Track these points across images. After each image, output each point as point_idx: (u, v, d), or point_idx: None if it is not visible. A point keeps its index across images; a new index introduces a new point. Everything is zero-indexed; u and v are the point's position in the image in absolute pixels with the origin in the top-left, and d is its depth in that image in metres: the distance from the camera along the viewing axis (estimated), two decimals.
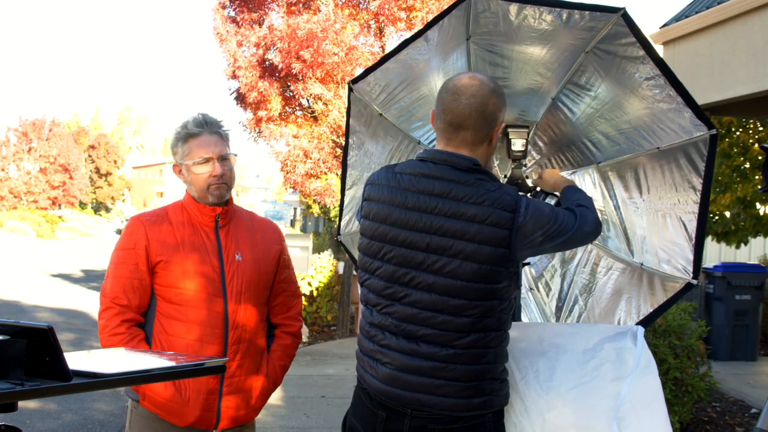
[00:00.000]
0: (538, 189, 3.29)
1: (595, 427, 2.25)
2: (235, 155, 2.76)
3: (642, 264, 3.13)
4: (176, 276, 2.63)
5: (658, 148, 2.95)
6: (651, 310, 3.05)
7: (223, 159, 2.69)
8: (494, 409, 2.23)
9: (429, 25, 2.83)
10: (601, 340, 2.46)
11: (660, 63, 2.69)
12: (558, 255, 3.62)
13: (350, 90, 3.06)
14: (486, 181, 2.21)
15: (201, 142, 2.67)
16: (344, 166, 3.24)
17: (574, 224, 2.26)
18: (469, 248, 2.14)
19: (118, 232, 47.31)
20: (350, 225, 3.37)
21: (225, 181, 2.69)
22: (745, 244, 10.17)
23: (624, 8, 2.66)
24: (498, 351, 2.22)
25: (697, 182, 2.80)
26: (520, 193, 2.24)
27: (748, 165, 9.56)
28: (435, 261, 2.17)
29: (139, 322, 2.66)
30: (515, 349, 2.50)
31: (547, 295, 3.64)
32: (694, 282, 2.87)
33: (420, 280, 2.19)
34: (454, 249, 2.16)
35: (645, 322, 3.01)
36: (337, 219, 3.44)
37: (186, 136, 2.69)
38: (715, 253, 12.82)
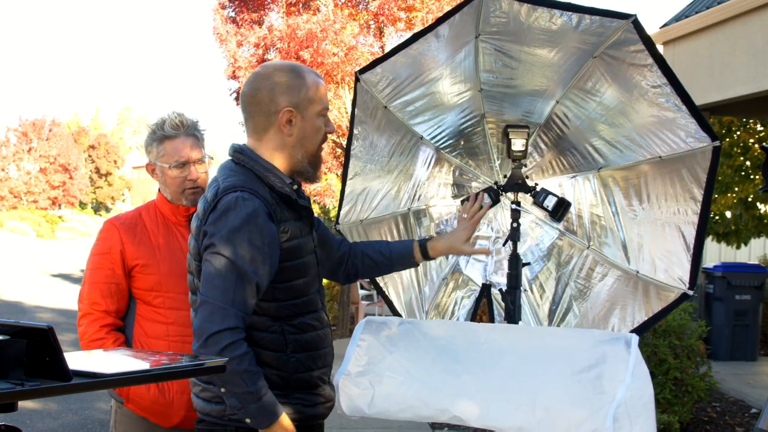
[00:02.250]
0: (539, 188, 3.29)
1: (587, 419, 2.24)
2: (211, 158, 2.75)
3: (638, 272, 3.13)
4: (154, 279, 2.62)
5: (659, 156, 2.95)
6: (645, 319, 3.05)
7: (199, 162, 2.67)
8: (234, 424, 2.07)
9: (440, 21, 2.82)
10: (596, 343, 2.46)
11: (668, 71, 2.69)
12: (553, 258, 3.61)
13: (357, 80, 3.06)
14: (229, 168, 2.14)
15: (176, 144, 2.64)
16: (347, 155, 3.23)
17: (209, 301, 1.99)
18: (190, 238, 2.17)
19: None
20: (350, 215, 3.37)
21: (200, 185, 2.68)
22: (746, 244, 10.16)
23: (635, 15, 2.66)
24: None
25: (698, 193, 2.80)
26: (237, 194, 2.02)
27: (749, 164, 9.55)
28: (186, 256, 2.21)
29: (118, 326, 2.66)
30: (507, 350, 2.49)
31: (541, 298, 3.64)
32: (690, 293, 2.86)
33: None
34: (189, 242, 2.19)
35: (639, 330, 3.01)
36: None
37: (162, 137, 2.66)
38: (715, 253, 12.81)
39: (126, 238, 2.65)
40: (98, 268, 2.66)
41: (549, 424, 2.25)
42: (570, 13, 2.70)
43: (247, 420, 2.01)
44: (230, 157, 2.18)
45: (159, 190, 2.76)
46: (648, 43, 2.66)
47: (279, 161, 2.15)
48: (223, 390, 2.01)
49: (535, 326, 3.56)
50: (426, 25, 2.92)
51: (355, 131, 3.17)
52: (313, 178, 2.21)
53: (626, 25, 2.66)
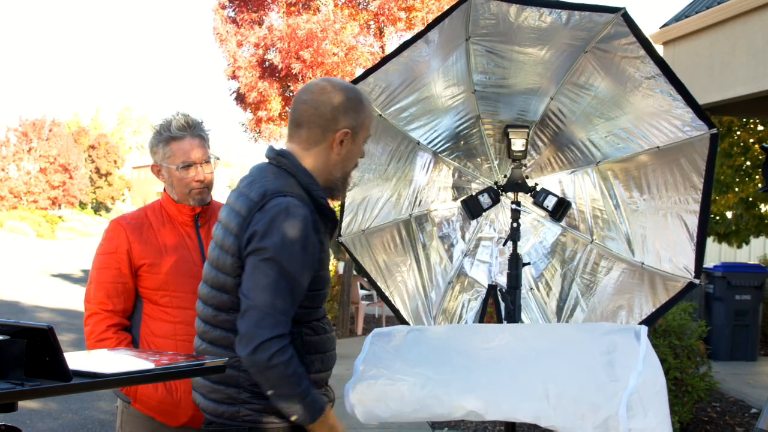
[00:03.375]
0: (539, 188, 3.29)
1: (600, 406, 2.24)
2: (218, 158, 2.74)
3: (643, 263, 3.13)
4: (160, 278, 2.62)
5: (657, 147, 2.96)
6: (653, 310, 3.05)
7: (205, 163, 2.67)
8: (248, 425, 2.08)
9: (429, 27, 2.83)
10: (605, 333, 2.46)
11: (660, 62, 2.70)
12: (558, 254, 3.61)
13: None
14: (270, 171, 2.11)
15: (184, 145, 2.64)
16: None
17: (256, 306, 1.96)
18: (219, 234, 2.13)
19: None
20: (351, 226, 3.37)
21: (207, 185, 2.68)
22: (747, 244, 10.16)
23: (624, 8, 2.67)
24: None
25: (698, 181, 2.81)
26: (288, 200, 2.01)
27: (749, 164, 9.55)
28: (210, 251, 2.18)
29: (125, 326, 2.65)
30: (517, 346, 2.50)
31: (548, 295, 3.63)
32: (696, 281, 2.86)
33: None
34: (215, 235, 2.16)
35: (647, 322, 3.01)
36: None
37: (168, 138, 2.65)
38: (716, 253, 12.81)
39: (132, 237, 2.65)
40: (105, 268, 2.65)
41: (563, 410, 2.25)
42: (559, 10, 2.71)
43: (293, 418, 2.03)
44: (268, 160, 2.16)
45: (164, 189, 2.76)
46: (639, 35, 2.67)
47: (317, 174, 2.15)
48: (270, 392, 2.01)
49: (544, 323, 3.56)
50: (426, 25, 2.92)
51: None
52: (340, 196, 2.28)
53: (616, 18, 2.67)
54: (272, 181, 2.07)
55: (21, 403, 1.21)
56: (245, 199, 2.07)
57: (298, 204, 2.02)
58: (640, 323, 2.95)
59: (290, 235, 1.98)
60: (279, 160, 2.13)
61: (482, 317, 3.61)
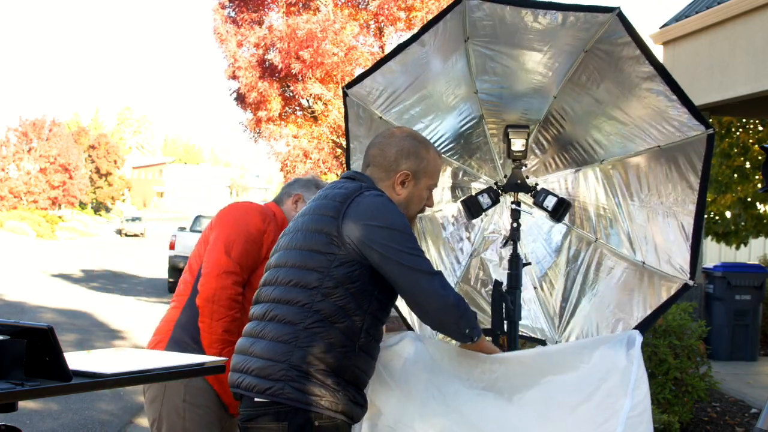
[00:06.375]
0: (539, 188, 3.30)
1: None
2: None
3: (644, 263, 3.13)
4: (258, 280, 2.58)
5: (659, 146, 2.96)
6: (650, 311, 3.05)
7: None
8: (288, 404, 2.09)
9: (423, 30, 2.84)
10: (600, 359, 2.46)
11: (655, 63, 2.70)
12: (563, 253, 3.61)
13: (345, 95, 3.06)
14: (347, 183, 2.29)
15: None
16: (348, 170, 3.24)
17: (426, 275, 2.16)
18: (307, 225, 2.25)
19: (118, 232, 47.15)
20: None
21: None
22: (746, 244, 10.17)
23: (618, 8, 2.67)
24: (309, 336, 2.12)
25: (695, 182, 2.81)
26: (368, 194, 2.23)
27: (748, 165, 9.56)
28: (291, 240, 2.28)
29: None
30: (508, 378, 2.50)
31: (551, 295, 3.63)
32: (691, 283, 2.87)
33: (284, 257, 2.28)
34: (300, 227, 2.27)
35: (644, 325, 3.01)
36: None
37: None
38: (715, 253, 12.81)
39: (278, 233, 2.61)
40: (254, 242, 2.63)
41: None
42: (554, 11, 2.71)
43: (474, 338, 2.31)
44: (351, 178, 2.33)
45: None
46: (634, 35, 2.67)
47: None
48: (467, 331, 2.27)
49: (536, 350, 3.53)
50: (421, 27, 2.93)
51: (351, 146, 3.18)
52: None
53: (612, 18, 2.68)
54: (356, 185, 2.27)
55: (21, 403, 1.21)
56: (341, 190, 2.24)
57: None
58: (636, 327, 2.94)
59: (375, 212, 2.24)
60: (356, 176, 2.33)
61: (494, 317, 3.57)
